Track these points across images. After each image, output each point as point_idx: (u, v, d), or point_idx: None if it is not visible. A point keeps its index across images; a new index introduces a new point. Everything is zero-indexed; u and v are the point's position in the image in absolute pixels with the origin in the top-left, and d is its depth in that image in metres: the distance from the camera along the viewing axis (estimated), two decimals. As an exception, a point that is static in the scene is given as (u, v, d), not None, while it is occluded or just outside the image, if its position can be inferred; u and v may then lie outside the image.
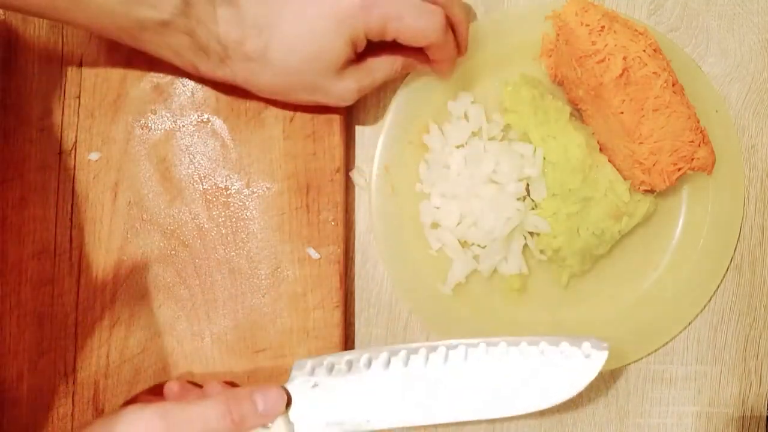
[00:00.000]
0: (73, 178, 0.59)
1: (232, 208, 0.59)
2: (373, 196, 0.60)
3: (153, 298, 0.58)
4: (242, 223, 0.59)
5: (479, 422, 0.60)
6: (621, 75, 0.54)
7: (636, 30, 0.55)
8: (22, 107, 0.59)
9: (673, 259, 0.61)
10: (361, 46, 0.54)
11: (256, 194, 0.59)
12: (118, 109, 0.59)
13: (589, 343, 0.53)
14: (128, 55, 0.59)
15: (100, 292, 0.58)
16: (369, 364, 0.53)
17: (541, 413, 0.60)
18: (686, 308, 0.61)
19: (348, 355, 0.54)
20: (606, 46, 0.54)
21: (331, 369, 0.54)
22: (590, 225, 0.58)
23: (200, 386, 0.57)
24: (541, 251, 0.60)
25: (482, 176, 0.58)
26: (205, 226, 0.59)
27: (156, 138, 0.59)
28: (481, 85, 0.61)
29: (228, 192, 0.59)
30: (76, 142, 0.59)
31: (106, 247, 0.58)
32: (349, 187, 0.61)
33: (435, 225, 0.60)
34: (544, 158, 0.58)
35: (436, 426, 0.61)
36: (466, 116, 0.60)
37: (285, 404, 0.52)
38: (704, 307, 0.61)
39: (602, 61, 0.54)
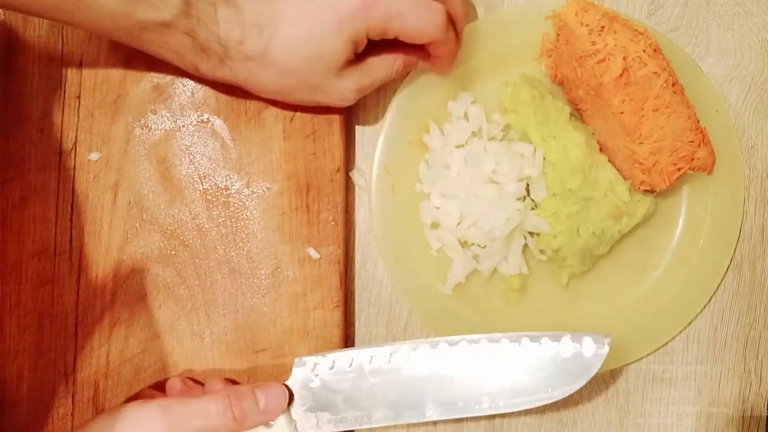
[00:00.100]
0: (73, 178, 0.59)
1: (232, 208, 0.59)
2: (373, 196, 0.60)
3: (153, 298, 0.58)
4: (242, 223, 0.59)
5: (479, 419, 0.60)
6: (621, 75, 0.54)
7: (636, 30, 0.55)
8: (22, 107, 0.59)
9: (673, 259, 0.61)
10: (362, 45, 0.54)
11: (256, 194, 0.59)
12: (118, 109, 0.59)
13: (591, 339, 0.53)
14: (128, 55, 0.59)
15: (100, 292, 0.58)
16: (370, 360, 0.54)
17: (541, 412, 0.60)
18: (686, 308, 0.61)
19: (349, 352, 0.54)
20: (606, 46, 0.54)
21: (332, 366, 0.54)
22: (590, 225, 0.58)
23: (202, 384, 0.57)
24: (541, 251, 0.60)
25: (482, 176, 0.58)
26: (205, 226, 0.59)
27: (156, 138, 0.59)
28: (481, 85, 0.61)
29: (228, 192, 0.59)
30: (76, 142, 0.59)
31: (106, 247, 0.58)
32: (349, 187, 0.61)
33: (435, 225, 0.60)
34: (544, 158, 0.58)
35: (435, 423, 0.61)
36: (466, 116, 0.60)
37: (287, 401, 0.53)
38: (704, 307, 0.61)
39: (602, 61, 0.54)
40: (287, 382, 0.54)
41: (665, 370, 0.61)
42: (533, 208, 0.59)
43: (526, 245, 0.60)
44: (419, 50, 0.56)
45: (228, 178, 0.59)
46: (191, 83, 0.59)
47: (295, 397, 0.53)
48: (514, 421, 0.61)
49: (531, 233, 0.60)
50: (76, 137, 0.59)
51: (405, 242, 0.60)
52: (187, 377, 0.58)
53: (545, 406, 0.53)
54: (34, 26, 0.59)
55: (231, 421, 0.50)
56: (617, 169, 0.58)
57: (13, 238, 0.58)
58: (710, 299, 0.61)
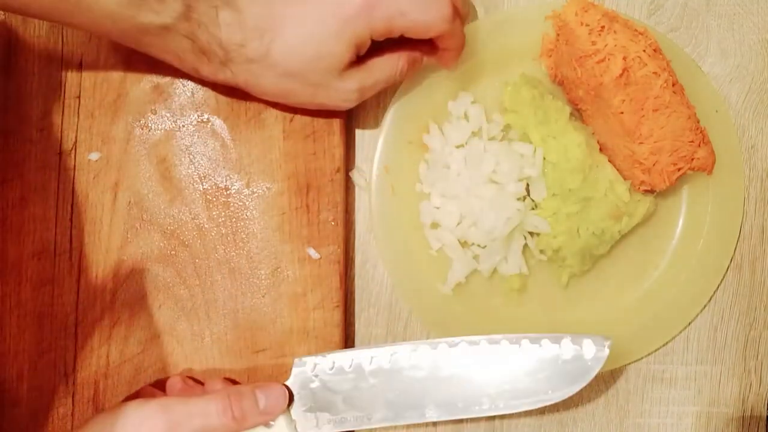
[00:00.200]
0: (73, 178, 0.59)
1: (232, 208, 0.59)
2: (373, 196, 0.60)
3: (153, 298, 0.58)
4: (242, 223, 0.59)
5: (479, 420, 0.60)
6: (621, 75, 0.54)
7: (636, 30, 0.55)
8: (22, 107, 0.59)
9: (673, 259, 0.61)
10: (365, 47, 0.53)
11: (256, 194, 0.59)
12: (118, 109, 0.59)
13: (591, 341, 0.53)
14: (128, 55, 0.59)
15: (100, 292, 0.58)
16: (370, 361, 0.54)
17: (541, 413, 0.60)
18: (686, 308, 0.61)
19: (349, 352, 0.54)
20: (606, 46, 0.54)
21: (332, 366, 0.54)
22: (590, 225, 0.58)
23: (202, 383, 0.57)
24: (541, 251, 0.60)
25: (482, 176, 0.58)
26: (205, 226, 0.59)
27: (156, 138, 0.59)
28: (481, 85, 0.61)
29: (228, 192, 0.59)
30: (76, 142, 0.59)
31: (106, 247, 0.58)
32: (349, 187, 0.61)
33: (435, 225, 0.60)
34: (544, 158, 0.58)
35: (435, 424, 0.61)
36: (466, 116, 0.60)
37: (287, 402, 0.53)
38: (704, 307, 0.61)
39: (602, 61, 0.54)
40: (287, 383, 0.54)
41: (665, 370, 0.61)
42: (533, 208, 0.59)
43: (526, 245, 0.60)
44: (425, 45, 0.56)
45: (228, 178, 0.59)
46: (191, 83, 0.59)
47: (295, 397, 0.53)
48: (514, 421, 0.61)
49: (531, 233, 0.60)
50: (76, 137, 0.59)
51: (405, 242, 0.60)
52: (187, 376, 0.58)
53: (545, 406, 0.53)
54: (34, 26, 0.59)
55: (231, 421, 0.50)
56: (617, 169, 0.58)
57: (13, 238, 0.58)
58: (710, 299, 0.61)
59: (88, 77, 0.59)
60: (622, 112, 0.55)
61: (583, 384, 0.53)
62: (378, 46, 0.54)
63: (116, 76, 0.59)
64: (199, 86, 0.59)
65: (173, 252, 0.58)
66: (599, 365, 0.52)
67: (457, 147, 0.60)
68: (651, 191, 0.58)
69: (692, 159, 0.56)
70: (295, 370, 0.54)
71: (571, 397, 0.53)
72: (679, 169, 0.56)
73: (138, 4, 0.49)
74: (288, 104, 0.57)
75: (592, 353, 0.53)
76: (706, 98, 0.61)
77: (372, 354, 0.54)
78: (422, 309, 0.60)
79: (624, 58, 0.54)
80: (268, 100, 0.57)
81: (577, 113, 0.61)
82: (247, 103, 0.59)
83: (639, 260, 0.61)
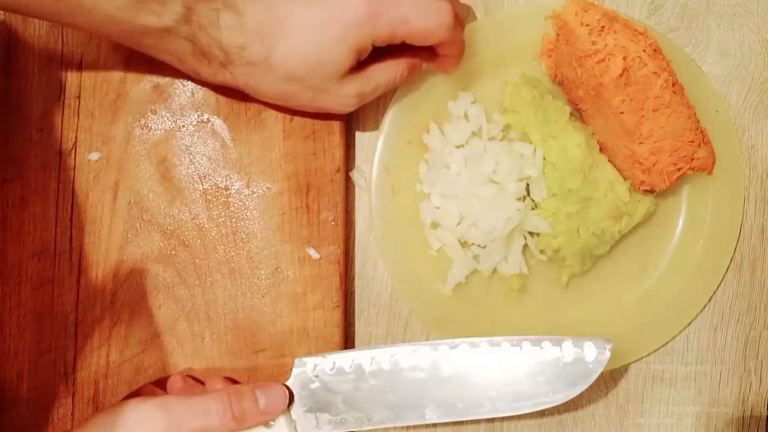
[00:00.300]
0: (73, 178, 0.59)
1: (232, 208, 0.59)
2: (373, 196, 0.60)
3: (153, 298, 0.58)
4: (242, 223, 0.59)
5: (479, 421, 0.60)
6: (621, 75, 0.54)
7: (636, 30, 0.55)
8: (22, 107, 0.59)
9: (673, 259, 0.61)
10: (366, 54, 0.53)
11: (256, 194, 0.59)
12: (118, 109, 0.59)
13: (592, 344, 0.53)
14: (128, 55, 0.59)
15: (100, 292, 0.58)
16: (370, 361, 0.54)
17: (542, 414, 0.60)
18: (686, 308, 0.61)
19: (350, 353, 0.54)
20: (606, 46, 0.54)
21: (332, 367, 0.54)
22: (590, 225, 0.58)
23: (202, 383, 0.57)
24: (541, 251, 0.60)
25: (482, 176, 0.58)
26: (205, 226, 0.59)
27: (156, 138, 0.59)
28: (481, 85, 0.61)
29: (228, 192, 0.59)
30: (76, 142, 0.59)
31: (106, 247, 0.58)
32: (349, 187, 0.61)
33: (435, 225, 0.60)
34: (544, 158, 0.58)
35: (435, 425, 0.61)
36: (466, 116, 0.60)
37: (287, 402, 0.53)
38: (704, 307, 0.61)
39: (602, 61, 0.54)
40: (287, 383, 0.54)
41: (665, 370, 0.61)
42: (533, 208, 0.59)
43: (526, 245, 0.60)
44: (425, 51, 0.56)
45: (228, 178, 0.59)
46: (191, 83, 0.59)
47: (295, 397, 0.53)
48: (514, 422, 0.61)
49: (531, 233, 0.60)
50: (76, 137, 0.59)
51: (405, 242, 0.60)
52: (188, 375, 0.58)
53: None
54: (34, 26, 0.59)
55: (230, 421, 0.50)
56: (617, 169, 0.58)
57: (13, 238, 0.58)
58: (710, 299, 0.61)
59: (88, 77, 0.59)
60: (622, 112, 0.55)
61: (584, 387, 0.53)
62: (378, 51, 0.54)
63: (116, 76, 0.59)
64: (199, 86, 0.59)
65: (173, 252, 0.58)
66: (600, 368, 0.52)
67: (457, 147, 0.60)
68: (651, 191, 0.58)
69: (692, 159, 0.56)
70: (295, 371, 0.54)
71: (571, 398, 0.53)
72: (679, 169, 0.56)
73: (138, 7, 0.49)
74: (288, 107, 0.57)
75: (593, 356, 0.52)
76: (706, 98, 0.61)
77: (372, 355, 0.54)
78: (422, 309, 0.60)
79: (624, 58, 0.54)
80: (268, 102, 0.57)
81: (577, 113, 0.61)
82: (247, 103, 0.59)
83: (639, 260, 0.61)
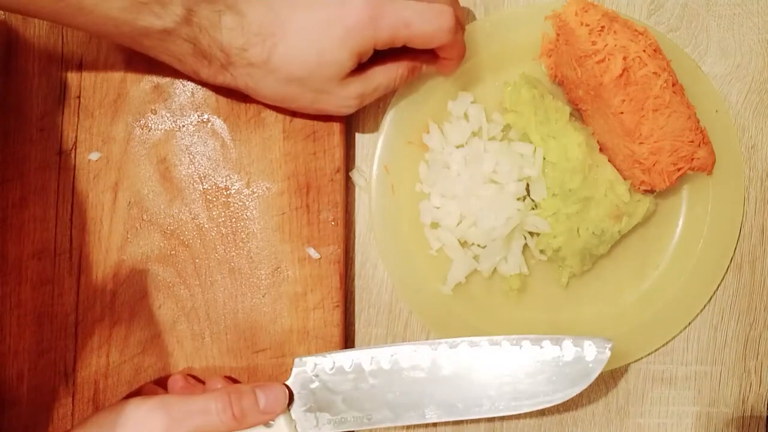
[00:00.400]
0: (73, 178, 0.59)
1: (232, 208, 0.59)
2: (373, 196, 0.60)
3: (153, 298, 0.58)
4: (242, 223, 0.59)
5: (479, 421, 0.60)
6: (621, 75, 0.54)
7: (636, 30, 0.55)
8: (22, 107, 0.59)
9: (673, 259, 0.61)
10: (367, 57, 0.53)
11: (256, 194, 0.59)
12: (118, 109, 0.59)
13: (592, 343, 0.53)
14: (128, 55, 0.59)
15: (100, 292, 0.58)
16: (370, 361, 0.54)
17: (541, 413, 0.60)
18: (686, 308, 0.61)
19: (349, 353, 0.54)
20: (606, 46, 0.54)
21: (332, 366, 0.54)
22: (590, 225, 0.58)
23: (203, 382, 0.57)
24: (541, 251, 0.60)
25: (482, 176, 0.58)
26: (205, 226, 0.59)
27: (156, 138, 0.59)
28: (481, 85, 0.61)
29: (228, 192, 0.59)
30: (76, 142, 0.59)
31: (106, 247, 0.58)
32: (349, 187, 0.61)
33: (435, 225, 0.60)
34: (544, 158, 0.58)
35: (435, 424, 0.61)
36: (466, 116, 0.60)
37: (287, 401, 0.53)
38: (704, 307, 0.61)
39: (602, 61, 0.54)
40: (287, 382, 0.54)
41: (665, 370, 0.61)
42: (533, 208, 0.59)
43: (526, 245, 0.60)
44: (426, 53, 0.56)
45: (228, 178, 0.59)
46: (191, 83, 0.59)
47: (295, 397, 0.53)
48: (514, 422, 0.61)
49: (531, 233, 0.60)
50: (76, 137, 0.59)
51: (405, 242, 0.60)
52: (189, 375, 0.58)
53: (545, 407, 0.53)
54: (34, 26, 0.59)
55: (230, 420, 0.50)
56: (617, 169, 0.58)
57: (13, 238, 0.58)
58: (710, 299, 0.61)
59: (88, 77, 0.59)
60: (622, 112, 0.55)
61: (584, 386, 0.53)
62: (378, 54, 0.54)
63: (116, 76, 0.59)
64: (199, 86, 0.59)
65: (173, 252, 0.58)
66: (600, 367, 0.52)
67: (457, 147, 0.60)
68: (651, 191, 0.58)
69: (692, 159, 0.56)
70: (295, 370, 0.54)
71: (571, 398, 0.53)
72: (679, 169, 0.56)
73: (139, 8, 0.49)
74: (288, 108, 0.57)
75: (594, 355, 0.52)
76: (706, 98, 0.61)
77: (372, 354, 0.54)
78: (422, 309, 0.60)
79: (624, 58, 0.54)
80: (268, 103, 0.57)
81: (577, 113, 0.61)
82: (247, 103, 0.59)
83: (639, 260, 0.61)
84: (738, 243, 0.61)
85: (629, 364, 0.61)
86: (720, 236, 0.61)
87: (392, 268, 0.60)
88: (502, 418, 0.60)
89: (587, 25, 0.55)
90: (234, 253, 0.58)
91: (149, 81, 0.59)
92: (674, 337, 0.61)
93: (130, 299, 0.58)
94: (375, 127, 0.62)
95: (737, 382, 0.61)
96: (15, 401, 0.57)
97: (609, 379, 0.61)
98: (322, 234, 0.59)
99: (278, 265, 0.58)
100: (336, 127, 0.59)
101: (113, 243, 0.58)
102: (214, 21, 0.51)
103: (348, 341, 0.61)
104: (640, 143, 0.55)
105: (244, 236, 0.59)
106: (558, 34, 0.58)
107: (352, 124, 0.62)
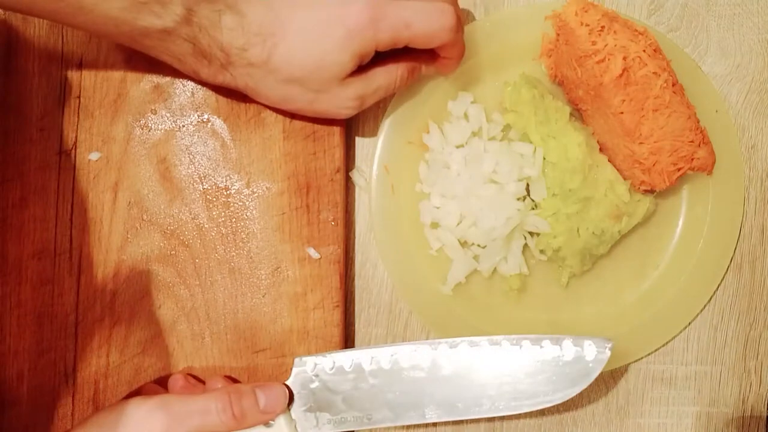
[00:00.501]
0: (73, 178, 0.59)
1: (232, 208, 0.59)
2: (373, 196, 0.60)
3: (153, 298, 0.58)
4: (242, 223, 0.59)
5: (479, 420, 0.60)
6: (621, 75, 0.54)
7: (636, 30, 0.55)
8: (22, 107, 0.59)
9: (673, 259, 0.61)
10: (368, 58, 0.53)
11: (256, 194, 0.59)
12: (118, 109, 0.59)
13: (592, 343, 0.53)
14: (128, 55, 0.59)
15: (100, 292, 0.58)
16: (370, 361, 0.54)
17: (541, 413, 0.60)
18: (686, 308, 0.61)
19: (349, 353, 0.54)
20: (606, 46, 0.54)
21: (332, 366, 0.54)
22: (590, 225, 0.58)
23: (203, 382, 0.57)
24: (541, 251, 0.60)
25: (482, 176, 0.58)
26: (205, 226, 0.59)
27: (156, 138, 0.59)
28: (481, 85, 0.61)
29: (228, 192, 0.59)
30: (76, 142, 0.59)
31: (106, 247, 0.58)
32: (349, 187, 0.61)
33: (435, 225, 0.60)
34: (544, 158, 0.58)
35: (435, 424, 0.61)
36: (466, 116, 0.60)
37: (287, 401, 0.53)
38: (704, 307, 0.61)
39: (602, 61, 0.54)
40: (287, 382, 0.54)
41: (665, 370, 0.61)
42: (533, 208, 0.59)
43: (526, 245, 0.60)
44: (426, 53, 0.56)
45: (228, 178, 0.59)
46: (191, 83, 0.59)
47: (295, 397, 0.53)
48: (514, 422, 0.61)
49: (531, 233, 0.60)
50: (76, 137, 0.59)
51: (405, 242, 0.60)
52: (189, 374, 0.58)
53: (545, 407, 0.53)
54: (34, 26, 0.59)
55: (230, 419, 0.50)
56: (617, 169, 0.58)
57: (13, 238, 0.58)
58: (710, 299, 0.61)
59: (88, 77, 0.59)
60: (622, 112, 0.55)
61: (584, 386, 0.53)
62: (379, 55, 0.54)
63: (116, 76, 0.59)
64: (199, 86, 0.59)
65: (173, 252, 0.58)
66: (600, 367, 0.52)
67: (457, 147, 0.60)
68: (651, 191, 0.58)
69: (692, 159, 0.56)
70: (295, 370, 0.54)
71: (571, 398, 0.53)
72: (679, 169, 0.56)
73: (139, 7, 0.49)
74: (287, 110, 0.57)
75: (594, 355, 0.52)
76: (706, 98, 0.61)
77: (372, 354, 0.54)
78: (422, 309, 0.60)
79: (624, 58, 0.54)
80: (268, 104, 0.57)
81: (577, 113, 0.61)
82: (247, 103, 0.59)
83: (639, 260, 0.61)
84: (738, 243, 0.61)
85: (629, 364, 0.61)
86: (720, 236, 0.61)
87: (392, 268, 0.60)
88: (502, 418, 0.60)
89: (587, 25, 0.55)
90: (234, 253, 0.58)
91: (149, 81, 0.59)
92: (674, 337, 0.61)
93: (130, 299, 0.58)
94: (375, 127, 0.62)
95: (737, 382, 0.61)
96: (15, 401, 0.57)
97: (609, 379, 0.61)
98: (322, 234, 0.59)
99: (278, 265, 0.58)
100: (336, 127, 0.59)
101: (113, 243, 0.58)
102: (214, 21, 0.51)
103: (348, 341, 0.61)
104: (640, 143, 0.55)
105: (244, 236, 0.59)
106: (558, 34, 0.58)
107: (352, 124, 0.62)
